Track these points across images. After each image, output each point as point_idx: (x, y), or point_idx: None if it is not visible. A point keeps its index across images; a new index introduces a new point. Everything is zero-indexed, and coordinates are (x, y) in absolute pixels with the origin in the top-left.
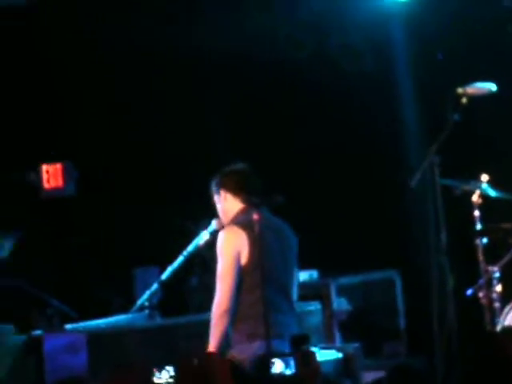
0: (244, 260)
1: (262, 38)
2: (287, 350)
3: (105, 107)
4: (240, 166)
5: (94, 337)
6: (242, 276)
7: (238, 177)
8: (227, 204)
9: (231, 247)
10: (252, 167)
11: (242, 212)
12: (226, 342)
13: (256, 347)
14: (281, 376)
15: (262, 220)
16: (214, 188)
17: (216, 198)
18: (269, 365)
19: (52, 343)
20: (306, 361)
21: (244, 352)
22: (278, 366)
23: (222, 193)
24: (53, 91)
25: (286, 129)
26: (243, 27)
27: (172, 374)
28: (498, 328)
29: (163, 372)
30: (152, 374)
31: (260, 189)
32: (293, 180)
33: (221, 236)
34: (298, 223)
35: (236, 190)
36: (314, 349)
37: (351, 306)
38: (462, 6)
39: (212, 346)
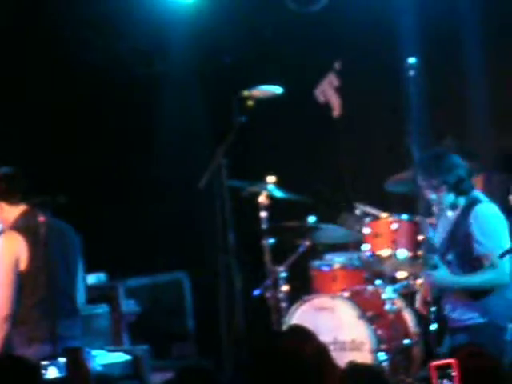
0: (23, 265)
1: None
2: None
3: None
4: (4, 169)
5: None
6: (22, 281)
7: (8, 181)
8: (4, 212)
9: (9, 253)
10: (29, 167)
11: (22, 215)
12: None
13: (34, 350)
14: (53, 381)
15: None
16: None
17: None
18: (40, 370)
19: None
20: (76, 364)
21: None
22: (51, 372)
23: None
24: None
25: (69, 131)
26: None
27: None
28: (284, 327)
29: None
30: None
31: (28, 188)
32: (76, 181)
33: None
34: (84, 225)
35: (9, 195)
36: (101, 351)
37: (140, 308)
38: (248, 9)
39: None
